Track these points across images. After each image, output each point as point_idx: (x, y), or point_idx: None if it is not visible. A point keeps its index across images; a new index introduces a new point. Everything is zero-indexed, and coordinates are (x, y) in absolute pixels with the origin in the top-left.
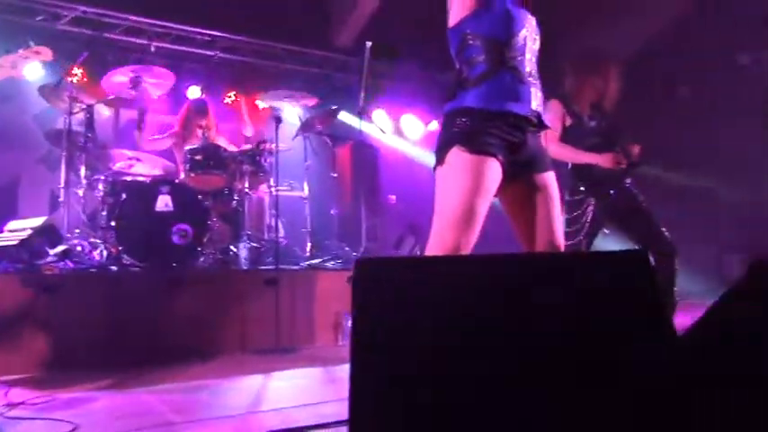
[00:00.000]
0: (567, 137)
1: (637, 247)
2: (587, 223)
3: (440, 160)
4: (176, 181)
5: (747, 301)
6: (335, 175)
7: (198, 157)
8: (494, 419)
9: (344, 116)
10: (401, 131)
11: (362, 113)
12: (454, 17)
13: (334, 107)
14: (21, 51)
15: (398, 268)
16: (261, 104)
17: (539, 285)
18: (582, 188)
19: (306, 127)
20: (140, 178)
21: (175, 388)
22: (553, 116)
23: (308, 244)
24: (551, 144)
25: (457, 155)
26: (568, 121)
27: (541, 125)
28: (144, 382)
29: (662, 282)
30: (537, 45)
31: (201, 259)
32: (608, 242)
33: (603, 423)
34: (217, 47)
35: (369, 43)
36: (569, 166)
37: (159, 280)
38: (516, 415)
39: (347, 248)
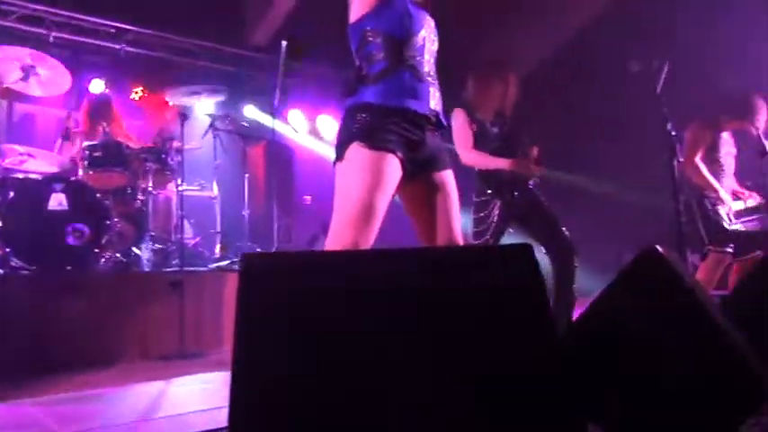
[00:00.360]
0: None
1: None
2: (494, 223)
3: (339, 156)
4: (72, 178)
5: (631, 292)
6: (247, 174)
7: (97, 154)
8: (378, 418)
9: (258, 115)
10: (317, 132)
11: (277, 113)
12: (355, 13)
13: (247, 106)
14: None
15: (286, 262)
16: (171, 101)
17: (423, 280)
18: (488, 190)
19: (216, 125)
20: (33, 176)
21: (65, 398)
22: (461, 124)
23: (218, 245)
24: (466, 151)
25: (356, 150)
26: (473, 128)
27: (440, 124)
28: (30, 393)
29: (562, 279)
30: (435, 46)
31: (102, 261)
32: (513, 241)
33: (484, 419)
34: (123, 40)
35: (284, 42)
36: (475, 169)
37: (50, 283)
38: (402, 412)
39: (259, 249)
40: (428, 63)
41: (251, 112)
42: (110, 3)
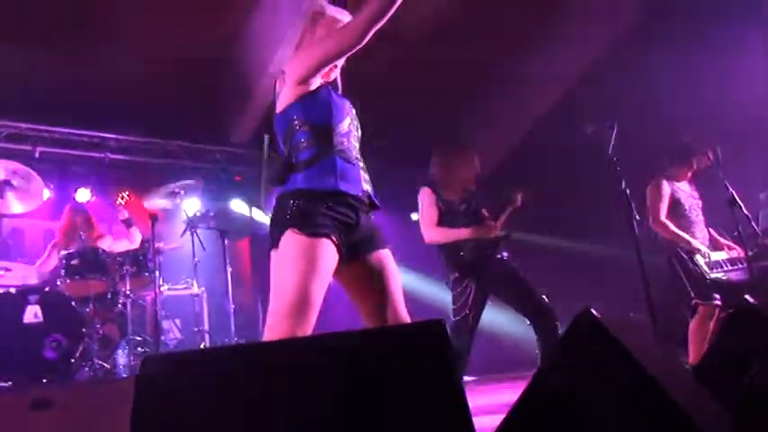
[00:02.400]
0: (440, 222)
1: (436, 318)
2: (470, 299)
3: (274, 244)
4: (47, 289)
5: (570, 360)
6: (230, 269)
7: (74, 262)
8: None
9: (245, 209)
10: None
11: (263, 206)
12: (281, 104)
13: (232, 201)
14: None
15: (184, 363)
16: (155, 203)
17: (325, 368)
18: (457, 273)
19: (195, 223)
20: (11, 289)
21: None
22: (429, 203)
23: (203, 344)
24: (429, 230)
25: (291, 237)
26: (439, 206)
27: (373, 205)
28: None
29: (548, 347)
30: (359, 133)
31: (85, 370)
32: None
33: None
34: (106, 147)
35: (266, 136)
36: (441, 256)
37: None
38: None
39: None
40: (354, 148)
41: (238, 206)
42: (92, 113)
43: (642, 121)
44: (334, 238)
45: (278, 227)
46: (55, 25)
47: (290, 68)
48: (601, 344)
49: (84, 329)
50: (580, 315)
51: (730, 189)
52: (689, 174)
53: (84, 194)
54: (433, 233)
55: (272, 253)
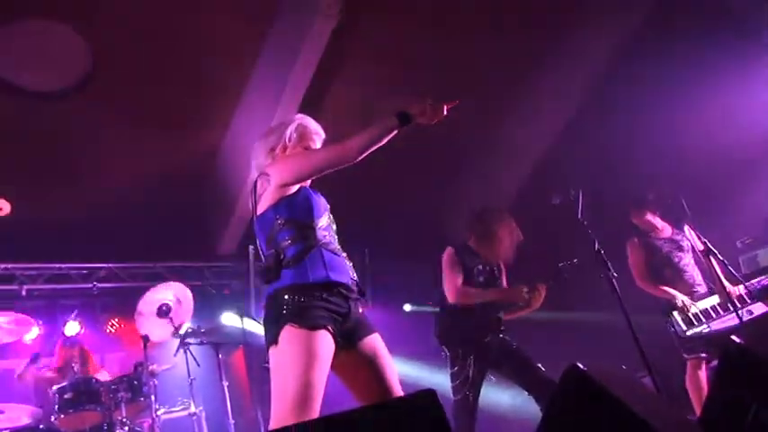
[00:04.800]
0: None
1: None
2: (469, 376)
3: (273, 341)
4: (41, 427)
5: (564, 413)
6: (227, 383)
7: (67, 396)
8: None
9: (236, 321)
10: None
11: (252, 317)
12: (263, 204)
13: (224, 314)
14: None
15: None
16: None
17: None
18: (459, 349)
19: (186, 341)
20: None
21: None
22: (451, 265)
23: None
24: (454, 291)
25: (289, 332)
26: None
27: (362, 292)
28: None
29: None
30: (335, 227)
31: None
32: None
33: None
34: (94, 278)
35: (252, 247)
36: (436, 333)
37: None
38: None
39: None
40: (335, 240)
41: (229, 319)
42: (78, 246)
43: (615, 176)
44: (330, 329)
45: (275, 323)
46: (32, 161)
47: (276, 172)
48: (590, 394)
49: None
50: (569, 368)
51: (702, 238)
52: (654, 224)
53: (73, 327)
54: (459, 294)
55: (271, 350)
